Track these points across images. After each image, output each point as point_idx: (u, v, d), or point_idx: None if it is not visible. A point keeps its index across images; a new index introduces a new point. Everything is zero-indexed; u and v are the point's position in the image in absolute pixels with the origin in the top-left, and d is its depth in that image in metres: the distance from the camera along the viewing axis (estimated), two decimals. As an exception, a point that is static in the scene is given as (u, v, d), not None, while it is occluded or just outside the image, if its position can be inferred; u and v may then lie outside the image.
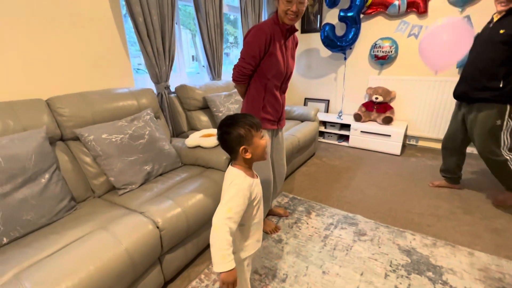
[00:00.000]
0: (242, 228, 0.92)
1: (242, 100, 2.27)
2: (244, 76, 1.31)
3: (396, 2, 2.74)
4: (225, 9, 2.83)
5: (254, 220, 0.93)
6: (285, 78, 1.40)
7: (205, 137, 1.73)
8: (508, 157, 1.72)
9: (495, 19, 1.66)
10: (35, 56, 1.39)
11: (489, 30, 1.68)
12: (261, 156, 0.90)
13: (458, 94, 1.86)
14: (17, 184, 1.05)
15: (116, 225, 1.06)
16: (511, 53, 1.56)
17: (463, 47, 1.33)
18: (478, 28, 2.55)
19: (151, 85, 2.05)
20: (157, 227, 1.13)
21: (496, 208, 1.88)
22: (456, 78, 2.69)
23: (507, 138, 1.72)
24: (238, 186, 0.83)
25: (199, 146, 1.69)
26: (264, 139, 0.91)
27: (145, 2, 1.75)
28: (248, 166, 0.91)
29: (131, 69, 1.90)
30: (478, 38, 1.75)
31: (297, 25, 3.57)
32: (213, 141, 1.66)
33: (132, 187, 1.41)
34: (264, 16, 3.16)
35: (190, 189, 1.37)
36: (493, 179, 2.29)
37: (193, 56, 4.30)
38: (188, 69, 4.48)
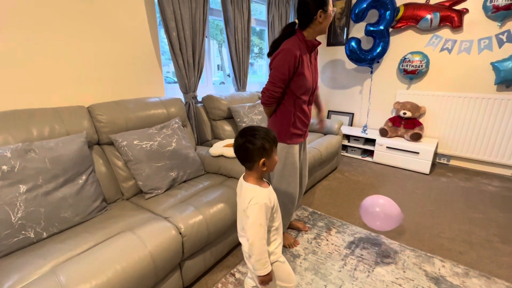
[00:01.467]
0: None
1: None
2: (274, 99, 1.31)
3: (428, 16, 2.66)
4: (252, 23, 2.92)
5: (273, 226, 0.98)
6: (313, 91, 1.42)
7: (228, 146, 1.77)
8: None
9: None
10: (79, 67, 1.53)
11: None
12: (270, 170, 0.97)
13: None
14: (58, 184, 1.15)
15: (142, 228, 1.11)
16: None
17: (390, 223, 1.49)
18: (520, 43, 2.40)
19: (180, 94, 2.15)
20: (180, 233, 1.16)
21: (540, 239, 1.71)
22: (493, 95, 2.54)
23: None
24: (260, 203, 0.89)
25: (222, 156, 1.74)
26: (277, 156, 0.99)
27: (179, 18, 1.87)
28: (260, 177, 0.97)
29: (163, 79, 2.02)
30: None
31: (323, 38, 3.58)
32: (236, 151, 1.70)
33: (158, 192, 1.48)
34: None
35: (211, 198, 1.40)
36: (537, 206, 2.09)
37: (218, 66, 4.46)
38: (213, 78, 4.66)
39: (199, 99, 2.27)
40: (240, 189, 0.98)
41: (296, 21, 1.30)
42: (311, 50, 1.32)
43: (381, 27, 2.83)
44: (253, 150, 0.89)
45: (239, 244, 1.66)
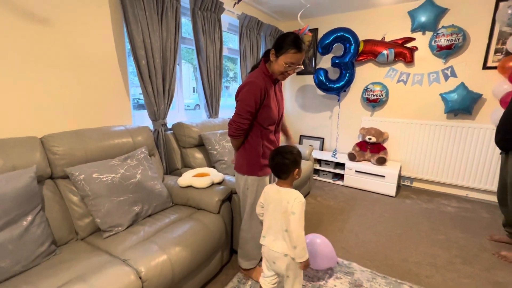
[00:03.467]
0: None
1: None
2: (242, 131, 1.33)
3: (385, 52, 2.95)
4: (225, 52, 3.01)
5: None
6: (279, 121, 1.45)
7: (197, 176, 1.71)
8: None
9: None
10: (35, 94, 1.43)
11: None
12: (299, 177, 1.21)
13: (496, 142, 1.84)
14: (-4, 228, 1.01)
15: (96, 275, 1.00)
16: None
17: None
18: (461, 77, 2.73)
19: (149, 121, 2.08)
20: (140, 278, 1.06)
21: (496, 258, 1.82)
22: (444, 122, 2.81)
23: None
24: (303, 200, 1.11)
25: (191, 186, 1.67)
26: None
27: (149, 47, 1.86)
28: (292, 184, 1.19)
29: (130, 107, 1.95)
30: None
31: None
32: (205, 181, 1.64)
33: (118, 229, 1.36)
34: (262, 59, 3.35)
35: (178, 233, 1.32)
36: (490, 224, 2.25)
37: (193, 88, 4.45)
38: (188, 100, 4.61)
39: (169, 126, 2.21)
40: (278, 194, 1.16)
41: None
42: (274, 82, 1.37)
43: (346, 60, 3.06)
44: (289, 164, 1.14)
45: (208, 282, 1.55)
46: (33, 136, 1.33)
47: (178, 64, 2.45)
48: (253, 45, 3.03)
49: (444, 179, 2.91)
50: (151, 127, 2.07)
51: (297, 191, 1.14)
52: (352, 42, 3.01)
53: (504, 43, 2.47)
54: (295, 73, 3.72)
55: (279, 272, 1.20)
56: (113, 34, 1.76)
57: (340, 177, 3.31)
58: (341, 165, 3.28)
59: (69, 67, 1.55)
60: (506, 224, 1.97)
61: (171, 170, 2.14)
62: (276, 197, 1.17)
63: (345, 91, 3.38)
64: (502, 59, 2.44)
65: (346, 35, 3.05)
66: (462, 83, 2.65)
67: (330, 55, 3.36)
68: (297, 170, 1.17)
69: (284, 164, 1.14)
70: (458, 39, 2.57)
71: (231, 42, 3.29)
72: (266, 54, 1.35)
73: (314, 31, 3.49)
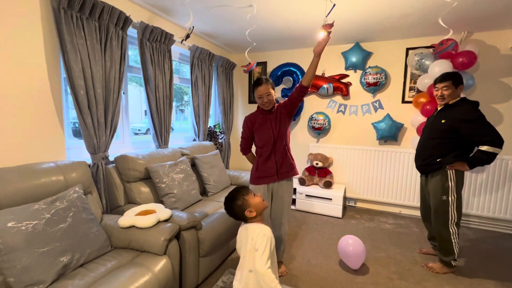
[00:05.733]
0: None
1: (189, 169, 2.31)
2: (243, 149, 1.98)
3: (325, 86, 3.31)
4: (176, 81, 3.00)
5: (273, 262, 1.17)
6: (275, 141, 1.76)
7: (142, 214, 1.59)
8: (451, 230, 1.89)
9: (438, 109, 1.98)
10: None
11: (434, 118, 2.00)
12: (262, 208, 1.21)
13: (416, 167, 2.10)
14: None
15: None
16: (451, 136, 1.84)
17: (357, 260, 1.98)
18: (387, 109, 3.17)
19: (87, 154, 1.89)
20: None
21: (425, 270, 2.04)
22: (377, 147, 3.20)
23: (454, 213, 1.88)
24: (267, 235, 1.10)
25: (134, 226, 1.53)
26: (257, 196, 1.23)
27: (89, 76, 1.75)
28: (260, 220, 1.20)
29: (64, 141, 1.76)
30: (427, 122, 2.07)
31: (246, 97, 3.93)
32: (150, 220, 1.53)
33: (39, 288, 1.15)
34: (215, 89, 3.43)
35: (115, 285, 1.17)
36: (420, 238, 2.55)
37: (145, 111, 4.26)
38: (139, 124, 4.37)
39: (112, 158, 2.04)
40: (246, 231, 1.16)
41: None
42: (269, 113, 1.79)
43: (292, 91, 3.33)
44: (234, 211, 1.20)
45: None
46: None
47: (123, 93, 2.35)
48: (205, 75, 3.09)
49: (381, 198, 3.25)
50: (89, 161, 1.89)
51: (262, 225, 1.15)
52: (299, 75, 3.32)
53: (415, 83, 3.00)
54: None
55: None
56: (46, 59, 1.62)
57: (292, 201, 3.42)
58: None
59: (-15, 98, 1.36)
60: (430, 238, 2.26)
61: (113, 207, 1.94)
62: (244, 235, 1.17)
63: (294, 119, 3.63)
64: (415, 95, 2.95)
65: (293, 69, 3.36)
66: (388, 114, 3.09)
67: (281, 87, 3.61)
68: (246, 211, 1.19)
69: (232, 214, 1.23)
70: (382, 78, 3.04)
71: (185, 67, 3.30)
72: None
73: (263, 64, 3.74)
